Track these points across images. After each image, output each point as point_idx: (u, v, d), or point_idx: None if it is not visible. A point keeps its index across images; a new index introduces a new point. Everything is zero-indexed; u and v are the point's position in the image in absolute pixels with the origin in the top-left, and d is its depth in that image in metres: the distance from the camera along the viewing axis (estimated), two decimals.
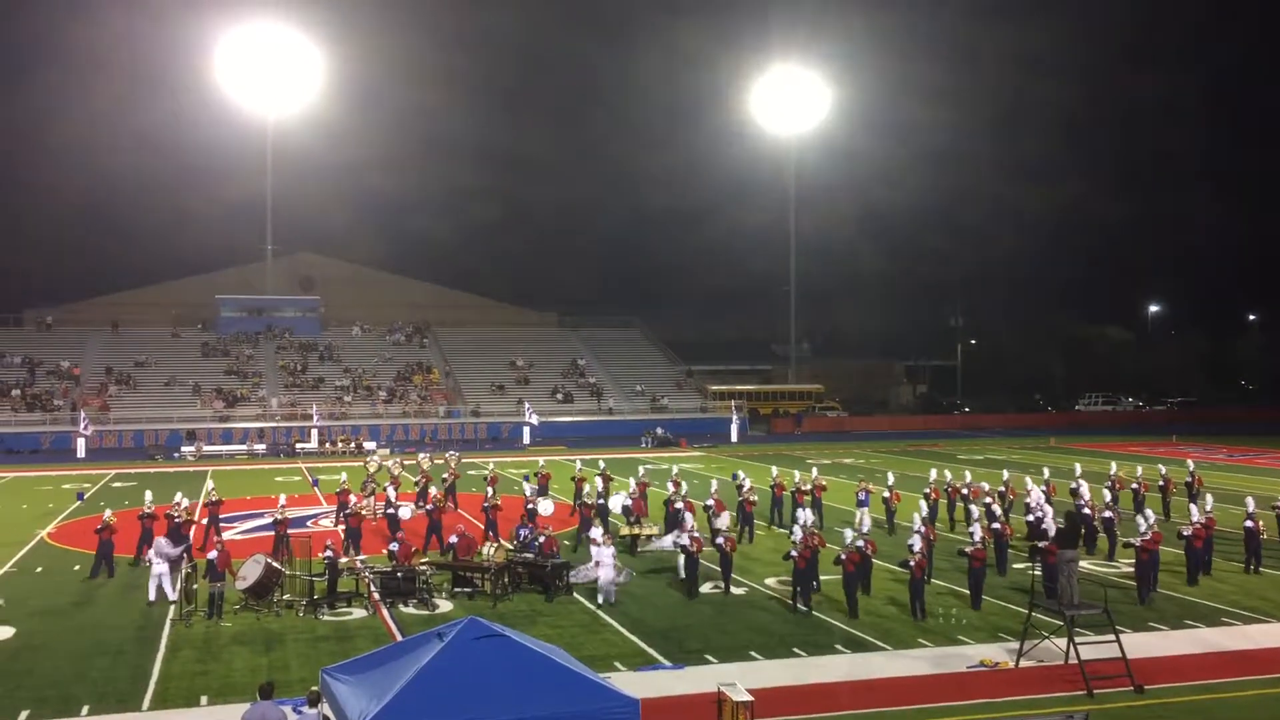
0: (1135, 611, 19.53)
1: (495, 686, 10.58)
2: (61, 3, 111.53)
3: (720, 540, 21.67)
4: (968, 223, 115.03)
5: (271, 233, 73.49)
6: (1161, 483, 30.17)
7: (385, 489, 28.61)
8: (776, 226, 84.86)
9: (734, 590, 21.35)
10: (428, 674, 10.62)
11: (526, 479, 31.40)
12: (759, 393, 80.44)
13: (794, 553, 19.77)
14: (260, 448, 54.85)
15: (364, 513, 26.78)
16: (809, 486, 29.10)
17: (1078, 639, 15.62)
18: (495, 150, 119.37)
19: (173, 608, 19.76)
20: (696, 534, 21.52)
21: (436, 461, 35.97)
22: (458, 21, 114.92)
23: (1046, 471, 30.74)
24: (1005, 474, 29.54)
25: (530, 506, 26.55)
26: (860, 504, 27.88)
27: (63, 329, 68.87)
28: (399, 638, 16.83)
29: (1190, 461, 32.49)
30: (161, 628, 18.74)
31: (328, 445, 54.52)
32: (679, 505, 25.05)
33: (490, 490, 27.29)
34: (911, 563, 19.36)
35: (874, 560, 21.06)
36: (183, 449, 52.91)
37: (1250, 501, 23.93)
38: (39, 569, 24.19)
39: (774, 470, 31.78)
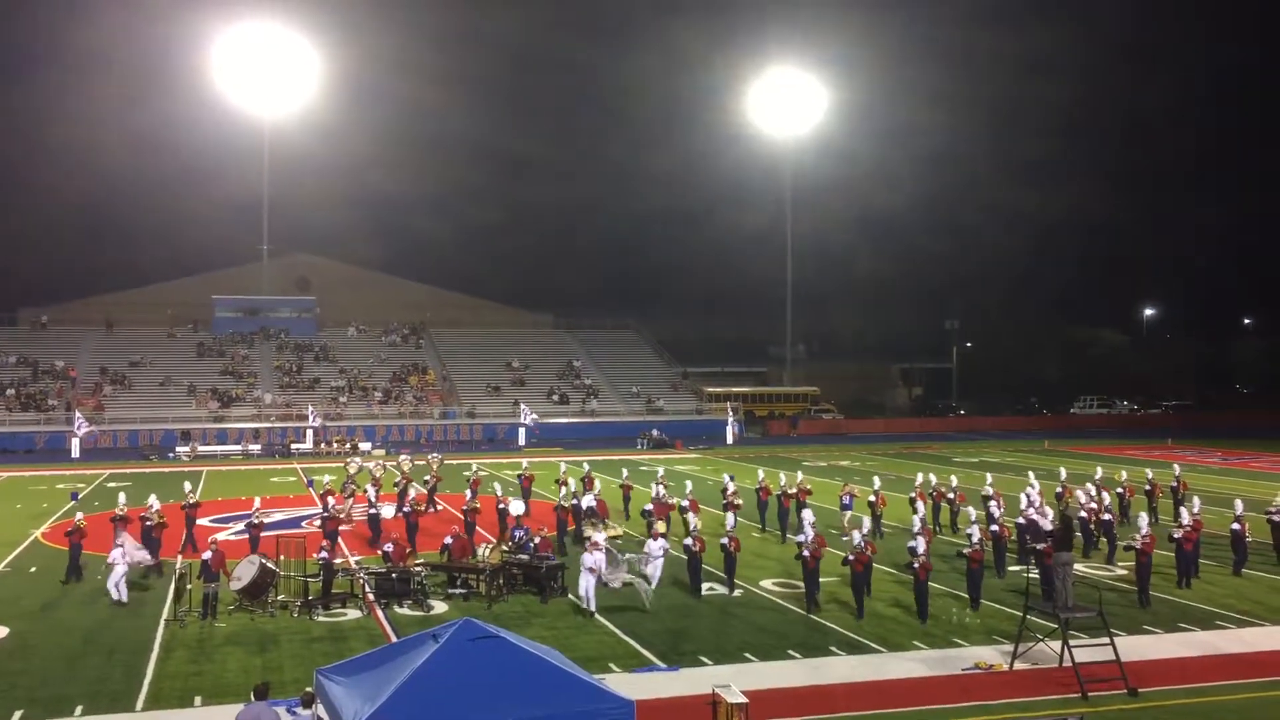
0: (1129, 614, 19.55)
1: (490, 688, 10.57)
2: (58, 3, 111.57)
3: (725, 540, 21.63)
4: (963, 225, 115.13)
5: (267, 233, 73.54)
6: (1148, 487, 30.12)
7: (365, 490, 28.53)
8: (773, 229, 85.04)
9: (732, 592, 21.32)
10: (422, 675, 10.60)
11: (495, 484, 30.81)
12: (755, 395, 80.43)
13: (805, 553, 19.80)
14: (255, 448, 54.77)
15: (340, 515, 26.33)
16: (794, 490, 28.68)
17: (1072, 642, 15.64)
18: (492, 152, 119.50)
19: (167, 608, 19.66)
20: (699, 534, 21.53)
21: (419, 463, 35.63)
22: (454, 22, 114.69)
23: (1032, 475, 30.26)
24: (989, 478, 29.02)
25: (501, 507, 26.48)
26: (844, 507, 27.77)
27: (58, 328, 68.68)
28: (394, 639, 16.81)
29: (1176, 465, 32.40)
30: (155, 628, 18.71)
31: (323, 446, 54.48)
32: (683, 505, 25.05)
33: (469, 493, 27.25)
34: (916, 565, 19.24)
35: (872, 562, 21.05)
36: (177, 449, 52.85)
37: (1239, 504, 23.90)
38: (33, 569, 24.14)
39: (760, 474, 31.67)
